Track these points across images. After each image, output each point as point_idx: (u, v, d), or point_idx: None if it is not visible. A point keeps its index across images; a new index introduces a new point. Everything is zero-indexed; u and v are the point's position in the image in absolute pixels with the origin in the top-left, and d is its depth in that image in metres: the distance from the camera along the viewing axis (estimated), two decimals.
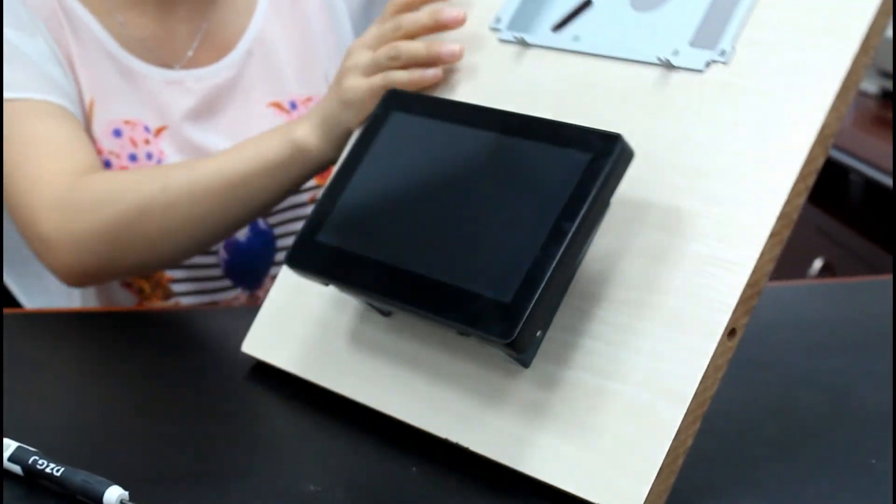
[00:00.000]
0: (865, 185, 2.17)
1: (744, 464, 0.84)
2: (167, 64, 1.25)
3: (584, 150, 0.82)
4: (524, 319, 0.79)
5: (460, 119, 0.91)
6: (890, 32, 0.85)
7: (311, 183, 1.27)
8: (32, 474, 0.80)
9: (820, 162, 0.83)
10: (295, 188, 1.13)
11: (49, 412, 0.91)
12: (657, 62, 0.90)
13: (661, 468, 0.78)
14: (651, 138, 0.88)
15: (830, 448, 0.85)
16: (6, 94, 1.15)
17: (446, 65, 1.03)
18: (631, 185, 0.84)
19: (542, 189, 0.83)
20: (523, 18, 1.01)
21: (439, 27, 1.05)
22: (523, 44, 0.99)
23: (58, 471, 0.79)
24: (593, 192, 0.80)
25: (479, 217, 0.85)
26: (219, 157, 1.13)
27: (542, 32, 1.00)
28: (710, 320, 0.80)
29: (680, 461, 0.79)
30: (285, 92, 1.29)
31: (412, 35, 1.06)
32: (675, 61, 0.89)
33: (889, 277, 1.26)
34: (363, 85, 1.06)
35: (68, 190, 1.11)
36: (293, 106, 1.29)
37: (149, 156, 1.24)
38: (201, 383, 0.96)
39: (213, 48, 1.27)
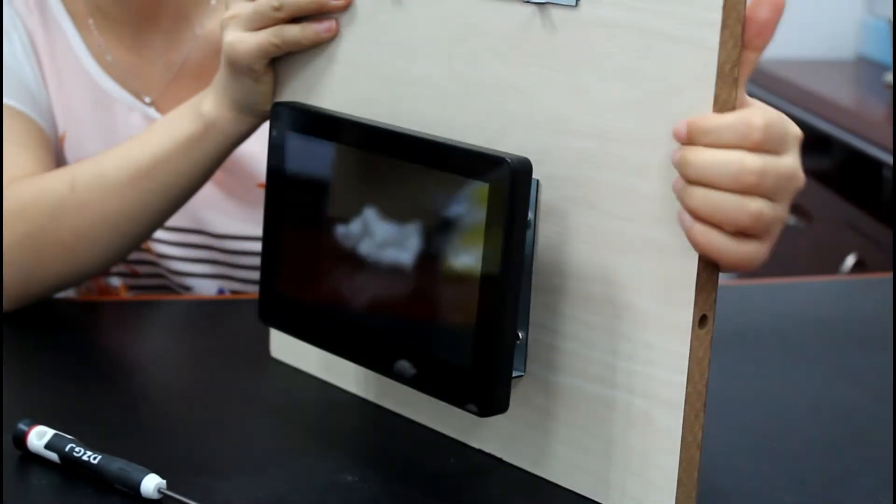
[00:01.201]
0: None
1: (785, 460, 0.83)
2: (140, 95, 1.17)
3: (481, 178, 0.73)
4: (494, 394, 0.74)
5: (358, 143, 0.83)
6: None
7: None
8: (69, 462, 0.80)
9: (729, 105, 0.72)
10: (214, 167, 1.02)
11: (86, 400, 0.91)
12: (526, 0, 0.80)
13: (679, 475, 0.75)
14: (543, 92, 0.79)
15: (874, 446, 0.84)
16: None
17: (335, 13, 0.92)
18: (541, 158, 0.77)
19: (456, 224, 0.76)
20: None
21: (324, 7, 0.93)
22: None
23: (95, 458, 0.79)
24: (511, 229, 0.72)
25: (410, 260, 0.79)
26: (127, 144, 1.03)
27: None
28: (675, 317, 0.74)
29: (698, 454, 0.76)
30: None
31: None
32: None
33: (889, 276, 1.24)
34: (250, 42, 0.94)
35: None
36: None
37: None
38: (237, 372, 0.95)
39: (193, 92, 1.10)
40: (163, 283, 1.21)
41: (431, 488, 0.77)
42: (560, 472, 0.81)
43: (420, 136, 0.79)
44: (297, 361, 0.98)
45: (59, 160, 1.15)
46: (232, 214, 1.15)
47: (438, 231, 0.77)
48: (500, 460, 0.80)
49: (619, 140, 0.75)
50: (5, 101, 1.08)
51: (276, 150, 0.89)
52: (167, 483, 0.77)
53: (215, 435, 0.84)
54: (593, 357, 0.78)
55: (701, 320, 0.73)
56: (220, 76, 0.99)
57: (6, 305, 1.04)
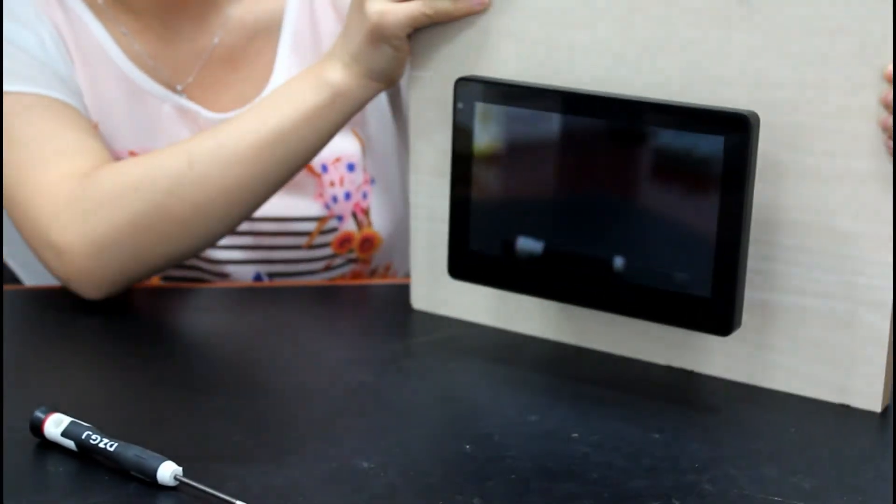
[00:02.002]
0: None
1: None
2: (171, 83, 1.14)
3: (718, 132, 0.81)
4: (734, 314, 0.83)
5: (562, 108, 0.88)
6: None
7: (312, 227, 1.17)
8: (86, 449, 0.79)
9: None
10: (335, 133, 1.02)
11: (101, 388, 0.90)
12: None
13: (885, 368, 0.86)
14: (740, 54, 0.85)
15: (886, 430, 0.85)
16: (6, 87, 1.05)
17: None
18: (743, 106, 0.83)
19: (691, 177, 0.83)
20: None
21: None
22: None
23: (111, 446, 0.79)
24: (747, 174, 0.81)
25: (640, 211, 0.86)
26: (246, 118, 1.02)
27: None
28: (880, 232, 0.84)
29: (892, 359, 0.86)
30: None
31: None
32: None
33: None
34: (400, 12, 0.94)
35: (78, 190, 1.01)
36: (324, 169, 1.16)
37: None
38: (251, 359, 0.94)
39: (224, 78, 1.15)
40: (197, 275, 1.19)
41: (446, 477, 0.78)
42: (779, 378, 0.89)
43: (645, 100, 0.85)
44: (444, 311, 1.02)
45: None
46: (273, 197, 1.15)
47: (667, 182, 0.84)
48: (516, 447, 0.82)
49: (823, 88, 0.83)
50: (49, 93, 1.06)
51: (464, 121, 0.92)
52: (183, 470, 0.77)
53: (230, 422, 0.84)
54: (805, 275, 0.87)
55: None
56: (351, 44, 0.98)
57: (93, 291, 1.02)
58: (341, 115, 1.01)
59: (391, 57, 0.98)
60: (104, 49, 1.12)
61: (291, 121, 1.00)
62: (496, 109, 0.91)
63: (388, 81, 1.00)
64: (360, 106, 1.01)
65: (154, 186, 1.00)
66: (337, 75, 0.99)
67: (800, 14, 0.84)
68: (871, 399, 0.86)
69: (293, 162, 1.02)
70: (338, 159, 1.15)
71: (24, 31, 1.08)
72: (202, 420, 0.85)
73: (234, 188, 1.01)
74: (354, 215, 1.16)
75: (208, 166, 1.00)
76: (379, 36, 0.96)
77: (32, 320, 1.02)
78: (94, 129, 1.10)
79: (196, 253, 1.05)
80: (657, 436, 0.82)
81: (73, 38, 1.11)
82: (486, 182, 0.93)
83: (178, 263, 1.07)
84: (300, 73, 1.03)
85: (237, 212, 1.03)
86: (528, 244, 0.91)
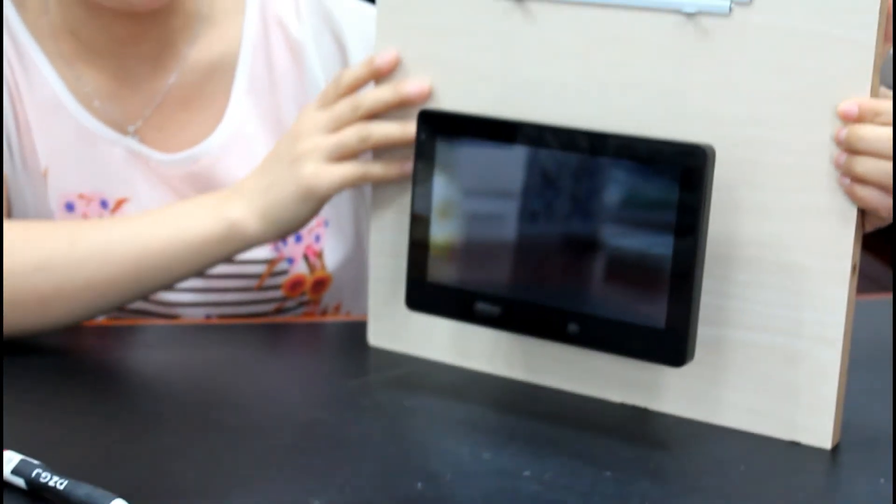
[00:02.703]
0: None
1: None
2: (122, 125, 1.12)
3: (675, 163, 0.83)
4: (688, 345, 0.84)
5: (524, 140, 0.89)
6: None
7: (262, 269, 1.15)
8: (36, 487, 0.79)
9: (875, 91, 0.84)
10: (218, 264, 1.01)
11: (52, 425, 0.90)
12: (674, 10, 0.87)
13: (836, 405, 0.86)
14: (697, 92, 0.87)
15: (836, 468, 0.85)
16: None
17: None
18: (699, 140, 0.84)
19: (647, 208, 0.84)
20: None
21: (405, 103, 0.96)
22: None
23: (61, 484, 0.78)
24: (702, 206, 0.82)
25: (596, 242, 0.87)
26: (141, 222, 1.01)
27: None
28: (836, 267, 0.85)
29: (843, 396, 0.87)
30: None
31: (373, 114, 0.98)
32: (697, 7, 0.86)
33: (889, 296, 1.25)
34: (334, 175, 0.97)
35: None
36: None
37: None
38: (203, 396, 0.94)
39: (178, 119, 1.14)
40: (145, 308, 1.18)
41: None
42: (732, 415, 0.90)
43: (601, 132, 0.86)
44: (401, 347, 1.02)
45: (42, 195, 1.12)
46: None
47: (622, 214, 0.85)
48: (469, 486, 0.82)
49: (777, 126, 0.85)
50: None
51: (425, 153, 0.92)
52: None
53: (181, 459, 0.83)
54: (759, 311, 0.88)
55: (853, 269, 0.85)
56: (268, 194, 0.99)
57: None
58: (231, 250, 1.01)
59: (308, 213, 0.99)
60: (55, 93, 1.11)
61: (180, 242, 1.00)
62: (455, 149, 0.92)
63: (289, 233, 1.01)
64: (250, 247, 1.01)
65: (24, 258, 0.99)
66: (238, 213, 1.00)
67: (755, 52, 0.85)
68: (821, 436, 0.87)
69: (170, 278, 1.01)
70: None
71: None
72: (153, 457, 0.84)
73: (105, 284, 1.00)
74: (306, 258, 1.16)
75: (87, 256, 0.99)
76: (308, 196, 0.98)
77: None
78: None
79: (51, 331, 1.02)
80: (609, 473, 0.82)
81: (26, 81, 1.11)
82: (447, 214, 0.93)
83: (35, 334, 1.03)
84: (207, 197, 1.02)
85: (100, 305, 1.02)
86: (486, 291, 0.92)
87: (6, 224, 1.00)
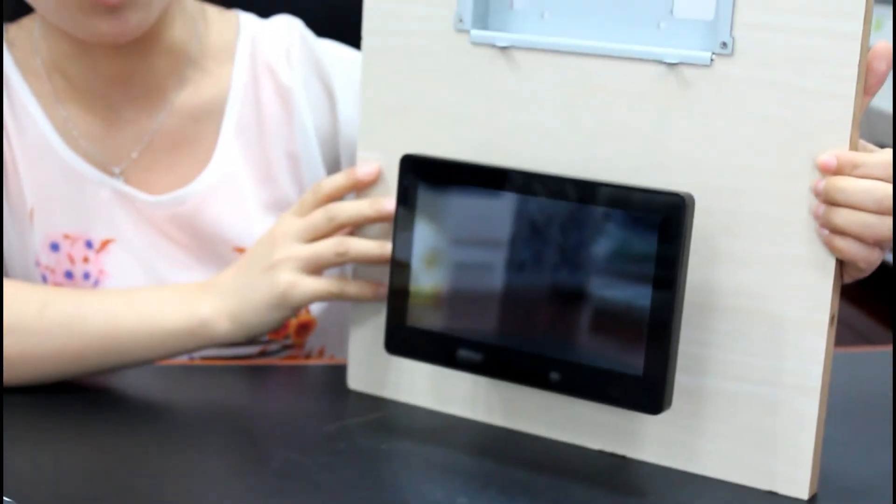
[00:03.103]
0: None
1: None
2: (108, 167, 1.13)
3: (654, 211, 0.83)
4: (665, 392, 0.84)
5: (504, 184, 0.89)
6: None
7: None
8: None
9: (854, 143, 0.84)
10: (183, 354, 1.02)
11: (25, 461, 0.89)
12: (658, 61, 0.88)
13: (813, 455, 0.86)
14: (678, 141, 0.88)
15: None
16: None
17: None
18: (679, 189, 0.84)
19: (625, 255, 0.85)
20: (481, 5, 0.94)
21: (382, 219, 0.98)
22: (498, 47, 0.93)
23: None
24: (681, 255, 0.83)
25: (575, 289, 0.87)
26: (111, 299, 1.01)
27: (505, 16, 0.94)
28: (814, 318, 0.85)
29: (820, 446, 0.87)
30: (251, 237, 1.12)
31: (349, 225, 0.99)
32: (678, 58, 0.87)
33: (888, 349, 1.26)
34: (309, 288, 0.98)
35: None
36: None
37: (86, 275, 1.13)
38: (180, 437, 0.92)
39: (164, 161, 1.14)
40: None
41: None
42: (709, 464, 0.90)
43: (580, 178, 0.87)
44: (382, 392, 1.02)
45: (27, 235, 1.12)
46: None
47: (601, 260, 0.86)
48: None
49: (756, 176, 0.85)
50: None
51: (406, 198, 0.93)
52: None
53: (153, 498, 0.82)
54: (738, 360, 0.88)
55: (831, 319, 0.85)
56: (241, 296, 0.99)
57: None
58: (195, 346, 1.01)
59: (278, 320, 1.00)
60: (43, 133, 1.11)
61: (148, 328, 1.00)
62: (437, 194, 0.92)
63: (257, 335, 1.01)
64: (216, 346, 1.01)
65: None
66: (208, 311, 1.00)
67: (735, 103, 0.86)
68: (798, 486, 0.87)
69: (135, 360, 1.01)
70: None
71: None
72: (124, 497, 0.84)
73: (71, 356, 1.00)
74: None
75: (56, 326, 0.99)
76: (280, 304, 0.99)
77: None
78: None
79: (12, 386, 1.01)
80: None
81: (14, 121, 1.11)
82: (427, 259, 0.93)
83: None
84: (181, 288, 1.03)
85: (66, 374, 1.01)
86: (465, 337, 0.92)
87: None
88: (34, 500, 0.79)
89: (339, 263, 0.99)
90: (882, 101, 2.28)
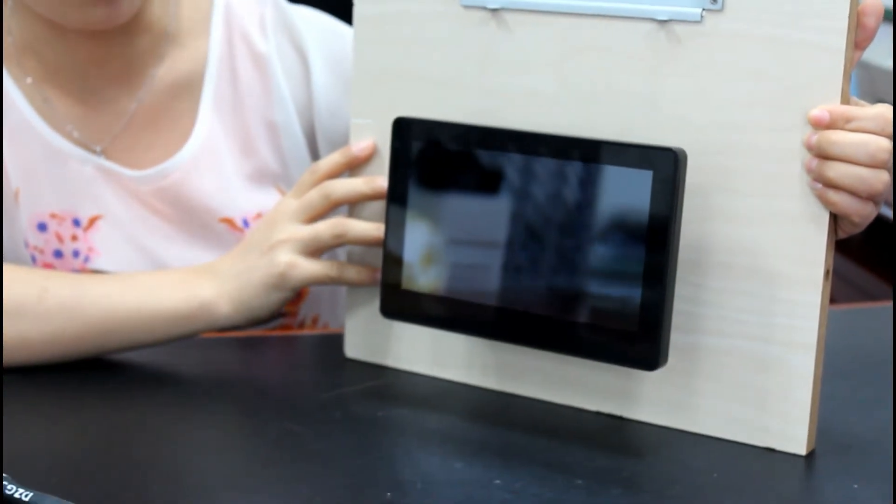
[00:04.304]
0: None
1: None
2: (90, 145, 1.12)
3: (646, 167, 0.83)
4: (660, 349, 0.83)
5: (496, 144, 0.89)
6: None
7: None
8: (1, 499, 0.79)
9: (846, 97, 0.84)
10: (184, 338, 1.01)
11: (19, 437, 0.89)
12: (647, 18, 0.87)
13: (810, 411, 0.86)
14: (670, 99, 0.87)
15: (811, 474, 0.84)
16: None
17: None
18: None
19: (619, 211, 0.85)
20: None
21: (377, 196, 0.97)
22: (489, 9, 0.93)
23: (26, 496, 0.78)
24: (674, 209, 0.82)
25: (570, 247, 0.87)
26: (111, 283, 1.01)
27: None
28: (809, 273, 0.85)
29: (817, 402, 0.87)
30: (236, 208, 1.13)
31: (345, 203, 0.99)
32: (669, 14, 0.86)
33: (889, 304, 1.25)
34: (308, 270, 0.98)
35: None
36: (245, 224, 1.13)
37: (75, 253, 1.12)
38: (175, 409, 0.93)
39: (145, 138, 1.13)
40: None
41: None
42: (706, 422, 0.89)
43: (571, 136, 0.87)
44: (379, 358, 1.01)
45: (13, 216, 1.11)
46: (196, 252, 1.15)
47: (595, 217, 0.85)
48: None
49: (749, 132, 0.85)
50: None
51: (399, 160, 0.93)
52: None
53: (150, 471, 0.83)
54: (732, 317, 0.87)
55: (826, 274, 0.84)
56: (241, 278, 0.99)
57: None
58: (196, 329, 1.01)
59: (279, 302, 1.00)
60: (23, 115, 1.11)
61: (148, 312, 1.00)
62: (433, 149, 0.92)
63: (257, 319, 1.01)
64: (217, 328, 1.01)
65: None
66: (209, 294, 1.00)
67: (726, 58, 0.85)
68: (795, 442, 0.86)
69: (134, 344, 1.01)
70: (259, 215, 1.14)
71: None
72: (120, 469, 0.84)
73: (69, 340, 1.00)
74: None
75: (55, 310, 0.99)
76: (279, 285, 0.99)
77: None
78: None
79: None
80: (580, 482, 0.82)
81: None
82: (421, 222, 0.93)
83: None
84: (181, 271, 1.03)
85: (63, 357, 1.01)
86: (458, 298, 0.92)
87: None
88: (30, 476, 0.79)
89: (337, 245, 0.99)
90: (884, 58, 2.28)
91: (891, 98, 2.19)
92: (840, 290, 2.14)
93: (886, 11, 2.20)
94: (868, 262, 2.15)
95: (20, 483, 0.78)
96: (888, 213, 1.98)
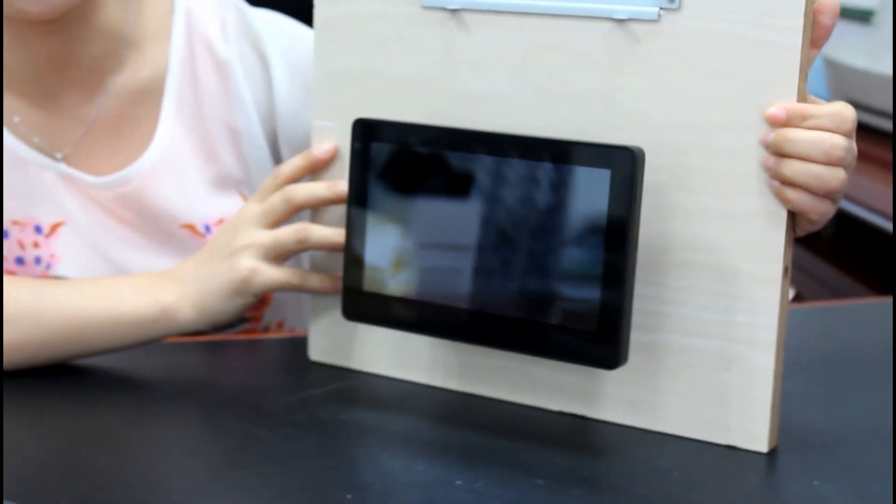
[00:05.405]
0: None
1: None
2: (50, 152, 1.11)
3: (605, 166, 0.83)
4: (620, 347, 0.83)
5: (456, 145, 0.89)
6: None
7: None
8: None
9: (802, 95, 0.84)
10: (147, 343, 1.01)
11: (16, 453, 0.88)
12: (605, 17, 0.87)
13: (771, 408, 0.86)
14: (629, 98, 0.87)
15: (772, 471, 0.85)
16: None
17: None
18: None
19: (577, 210, 0.85)
20: None
21: (339, 200, 0.97)
22: (448, 10, 0.93)
23: None
24: (632, 207, 0.82)
25: (529, 246, 0.87)
26: (72, 287, 1.00)
27: None
28: (768, 271, 0.85)
29: (778, 399, 0.87)
30: (198, 214, 1.13)
31: (307, 207, 0.99)
32: (627, 14, 0.86)
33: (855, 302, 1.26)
34: (271, 276, 0.98)
35: None
36: (207, 229, 1.13)
37: (37, 260, 1.12)
38: (138, 413, 0.92)
39: (106, 144, 1.12)
40: None
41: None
42: (668, 421, 0.89)
43: (532, 136, 0.87)
44: (343, 361, 1.01)
45: None
46: (158, 258, 1.15)
47: (554, 217, 0.85)
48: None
49: (706, 130, 0.85)
50: None
51: (360, 161, 0.93)
52: None
53: (111, 476, 0.82)
54: (693, 315, 0.87)
55: (785, 271, 0.85)
56: (203, 283, 0.99)
57: None
58: (158, 334, 1.01)
59: (241, 307, 1.00)
60: None
61: (110, 316, 0.99)
62: (391, 150, 0.92)
63: (220, 324, 1.01)
64: (179, 333, 1.01)
65: None
66: (170, 299, 1.00)
67: (684, 57, 0.86)
68: (756, 440, 0.86)
69: (97, 349, 1.00)
70: (221, 220, 1.13)
71: None
72: (83, 475, 0.83)
73: (35, 346, 0.99)
74: None
75: (18, 315, 0.98)
76: (241, 291, 0.99)
77: None
78: None
79: None
80: (541, 482, 0.82)
81: None
82: (381, 224, 0.93)
83: None
84: (144, 276, 1.03)
85: (32, 362, 1.00)
86: (419, 299, 0.92)
87: None
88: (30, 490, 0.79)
89: (299, 250, 0.99)
90: (853, 56, 2.28)
91: (860, 96, 2.20)
92: (808, 287, 2.15)
93: (844, 9, 2.21)
94: (836, 258, 2.17)
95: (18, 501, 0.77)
96: (853, 209, 1.98)
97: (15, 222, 1.11)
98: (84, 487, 0.81)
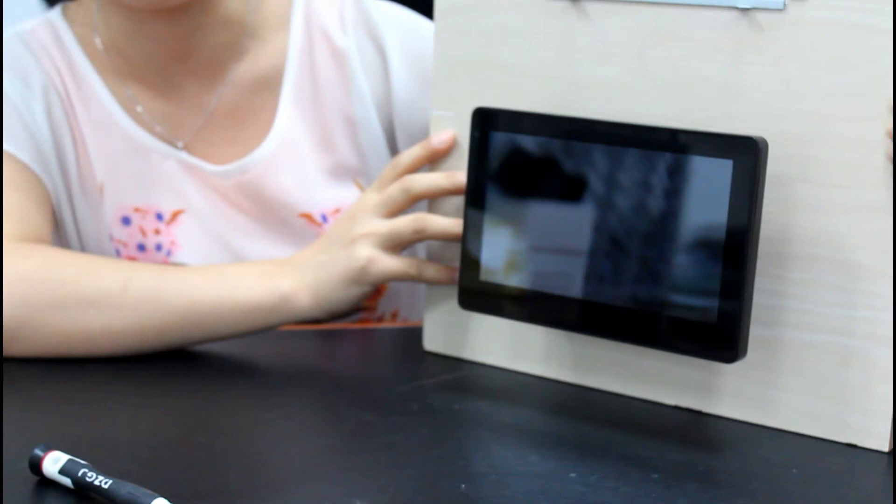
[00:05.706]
0: None
1: None
2: (172, 140, 1.14)
3: (727, 156, 0.82)
4: (740, 341, 0.82)
5: (575, 134, 0.89)
6: None
7: None
8: (82, 486, 0.80)
9: None
10: (265, 331, 1.02)
11: (101, 427, 0.91)
12: (729, 6, 0.86)
13: (893, 405, 0.84)
14: (751, 88, 0.86)
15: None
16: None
17: None
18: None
19: (698, 201, 0.84)
20: None
21: (458, 191, 0.97)
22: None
23: (106, 483, 0.79)
24: (754, 199, 0.81)
25: (649, 237, 0.86)
26: (193, 274, 1.02)
27: None
28: (887, 265, 0.83)
29: None
30: (314, 203, 1.15)
31: (425, 197, 0.99)
32: (751, 2, 0.85)
33: None
34: (389, 266, 0.98)
35: (8, 253, 0.99)
36: (324, 219, 1.15)
37: (158, 246, 1.14)
38: (253, 399, 0.94)
39: (226, 132, 1.15)
40: None
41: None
42: (785, 417, 0.88)
43: (652, 125, 0.86)
44: (457, 352, 1.02)
45: (98, 210, 1.14)
46: (275, 246, 1.17)
47: (675, 208, 0.85)
48: (511, 486, 0.83)
49: (831, 121, 0.84)
50: (20, 156, 1.08)
51: (478, 151, 0.93)
52: None
53: (228, 461, 0.84)
54: (813, 310, 0.86)
55: None
56: (321, 272, 1.00)
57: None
58: (276, 322, 1.01)
59: (358, 296, 1.00)
60: (108, 110, 1.13)
61: (229, 303, 1.00)
62: (513, 138, 0.92)
63: (336, 313, 1.01)
64: (296, 321, 1.01)
65: (78, 289, 1.00)
66: (289, 287, 1.00)
67: (809, 47, 0.84)
68: (878, 438, 0.85)
69: (214, 336, 1.02)
70: (337, 210, 1.14)
71: (19, 88, 1.10)
72: (198, 459, 0.85)
73: (152, 331, 1.00)
74: None
75: (139, 301, 1.00)
76: (359, 280, 0.99)
77: (32, 360, 1.02)
78: (45, 203, 1.11)
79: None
80: (656, 476, 0.81)
81: (80, 99, 1.12)
82: (499, 212, 0.93)
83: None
84: (262, 264, 1.04)
85: (146, 348, 1.02)
86: (537, 289, 0.92)
87: (63, 255, 1.03)
88: (110, 464, 0.80)
89: (417, 240, 0.99)
90: None
91: None
92: None
93: None
94: None
95: (100, 471, 0.79)
96: None
97: (137, 209, 1.14)
98: (199, 471, 0.82)
